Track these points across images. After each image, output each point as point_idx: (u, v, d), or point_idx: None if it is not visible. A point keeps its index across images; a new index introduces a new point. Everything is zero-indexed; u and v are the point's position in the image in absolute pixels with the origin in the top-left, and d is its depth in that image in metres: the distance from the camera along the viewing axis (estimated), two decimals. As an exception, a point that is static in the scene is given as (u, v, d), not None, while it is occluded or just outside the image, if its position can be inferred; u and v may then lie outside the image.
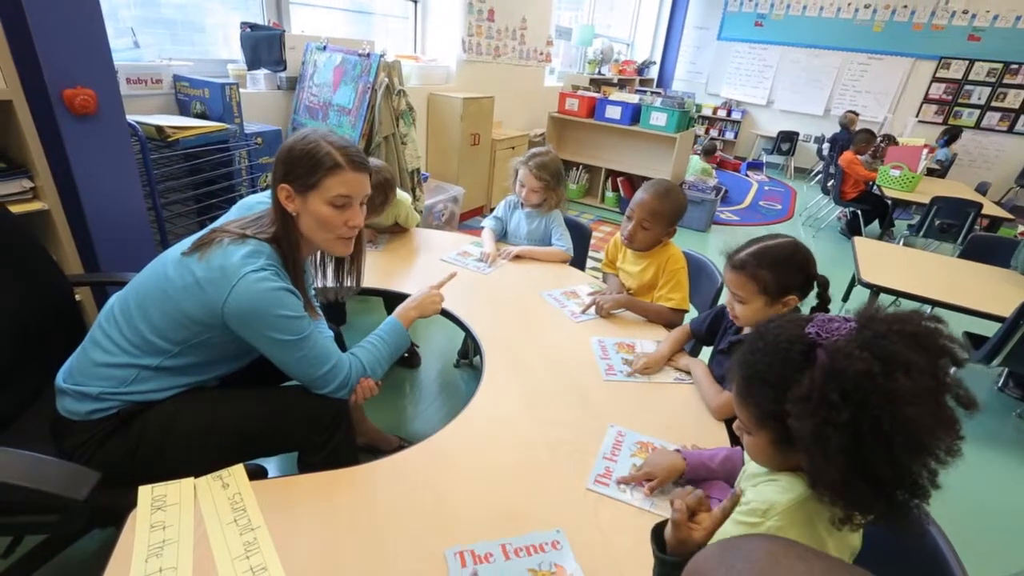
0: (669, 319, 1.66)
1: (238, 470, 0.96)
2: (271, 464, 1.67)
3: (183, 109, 2.38)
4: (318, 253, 1.34)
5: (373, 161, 1.92)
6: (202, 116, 2.32)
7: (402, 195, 2.09)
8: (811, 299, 1.22)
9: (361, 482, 0.98)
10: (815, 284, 1.18)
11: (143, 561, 0.79)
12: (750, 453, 0.79)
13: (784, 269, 1.16)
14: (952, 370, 0.60)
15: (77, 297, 1.70)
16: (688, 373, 1.38)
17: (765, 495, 0.75)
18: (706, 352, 1.58)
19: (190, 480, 0.93)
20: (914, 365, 0.57)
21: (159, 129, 1.93)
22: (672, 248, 1.72)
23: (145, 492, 0.89)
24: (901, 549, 0.85)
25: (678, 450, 1.04)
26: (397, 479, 0.99)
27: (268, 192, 1.16)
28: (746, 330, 1.34)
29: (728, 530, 0.77)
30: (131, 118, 1.84)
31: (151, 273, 1.11)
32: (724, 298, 1.35)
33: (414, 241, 2.12)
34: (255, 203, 1.21)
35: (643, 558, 0.81)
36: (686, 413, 1.23)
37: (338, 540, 0.85)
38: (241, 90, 2.57)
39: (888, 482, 0.59)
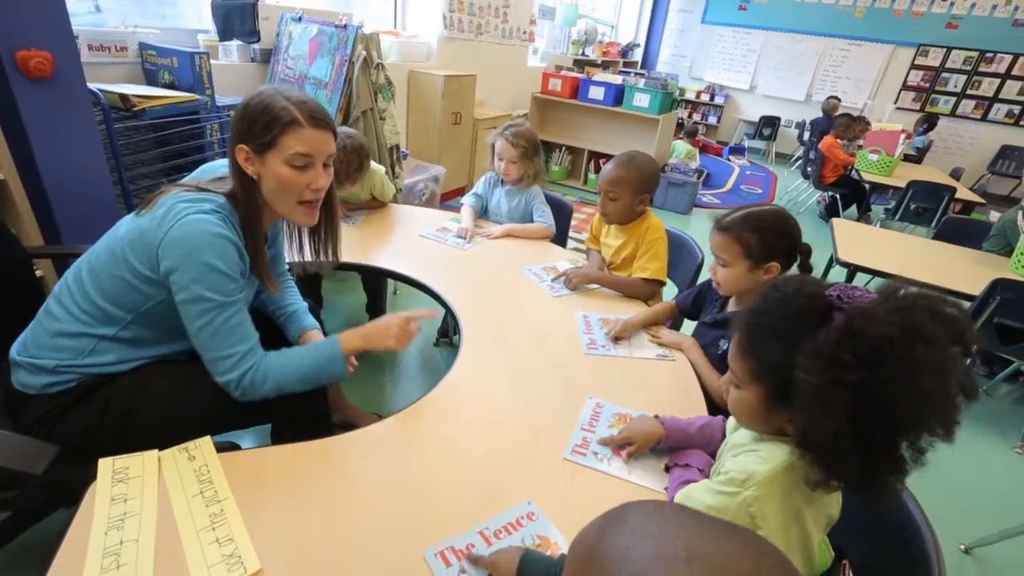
0: (643, 291, 1.64)
1: (205, 442, 0.93)
2: (244, 438, 1.64)
3: (150, 79, 2.28)
4: (295, 227, 1.28)
5: (343, 129, 1.88)
6: (170, 87, 2.22)
7: (376, 166, 2.04)
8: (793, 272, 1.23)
9: (333, 454, 0.96)
10: (799, 254, 1.19)
11: (103, 533, 0.76)
12: (735, 409, 0.79)
13: (769, 233, 1.17)
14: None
15: (39, 273, 1.63)
16: (670, 348, 1.38)
17: (744, 465, 0.75)
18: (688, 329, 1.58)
19: (154, 452, 0.89)
20: (935, 340, 0.57)
21: (124, 98, 1.85)
22: (651, 219, 1.71)
23: (106, 464, 0.86)
24: (875, 515, 0.86)
25: (656, 416, 1.04)
26: (370, 451, 0.97)
27: (223, 163, 1.11)
28: (731, 305, 1.34)
29: (705, 500, 0.77)
30: (93, 85, 1.76)
31: (105, 238, 1.06)
32: (708, 270, 1.34)
33: (392, 216, 2.08)
34: (217, 167, 1.15)
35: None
36: (666, 389, 1.23)
37: (307, 512, 0.83)
38: (213, 61, 2.47)
39: (877, 448, 0.59)
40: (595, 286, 1.66)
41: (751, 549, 0.35)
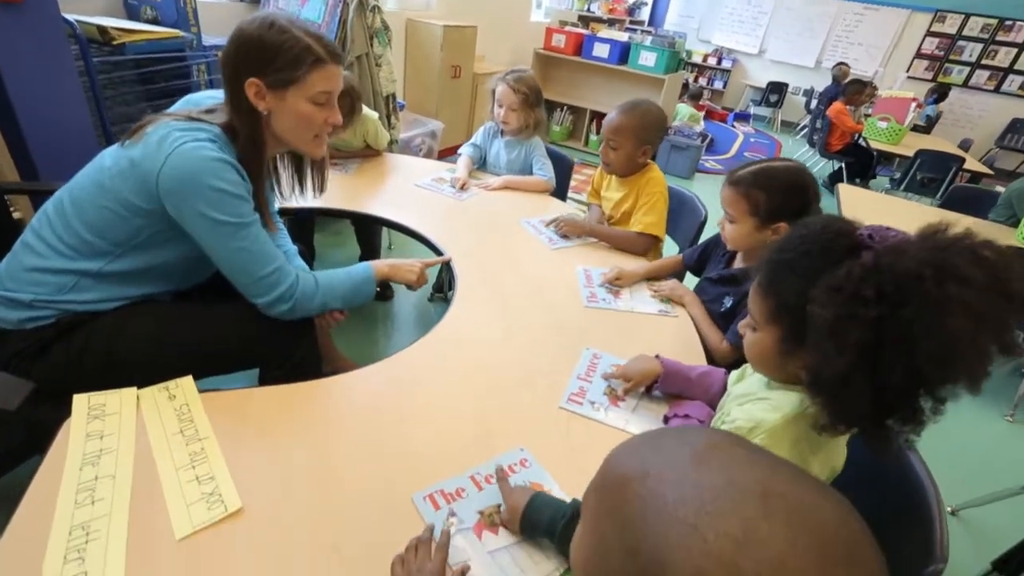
0: (637, 245, 1.58)
1: (186, 381, 0.90)
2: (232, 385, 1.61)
3: (131, 13, 2.16)
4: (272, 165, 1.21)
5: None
6: (153, 23, 2.11)
7: (369, 112, 1.96)
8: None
9: (319, 397, 0.92)
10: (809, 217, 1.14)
11: (77, 469, 0.73)
12: (750, 353, 0.75)
13: (778, 192, 1.10)
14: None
15: (17, 214, 1.57)
16: (671, 303, 1.34)
17: (751, 413, 0.72)
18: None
19: (132, 390, 0.86)
20: (972, 282, 0.52)
21: (102, 30, 1.74)
22: (653, 172, 1.64)
23: (81, 400, 0.82)
24: (881, 470, 0.84)
25: (657, 356, 1.01)
26: (358, 395, 0.94)
27: (215, 92, 1.04)
28: (738, 261, 1.30)
29: None
30: (69, 15, 1.65)
31: (88, 169, 1.01)
32: (716, 224, 1.29)
33: (386, 165, 2.00)
34: (202, 98, 1.08)
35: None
36: (667, 344, 1.19)
37: (292, 453, 0.80)
38: (198, -2, 2.34)
39: (893, 392, 0.55)
40: (592, 240, 1.60)
41: (828, 498, 0.30)
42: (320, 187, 1.27)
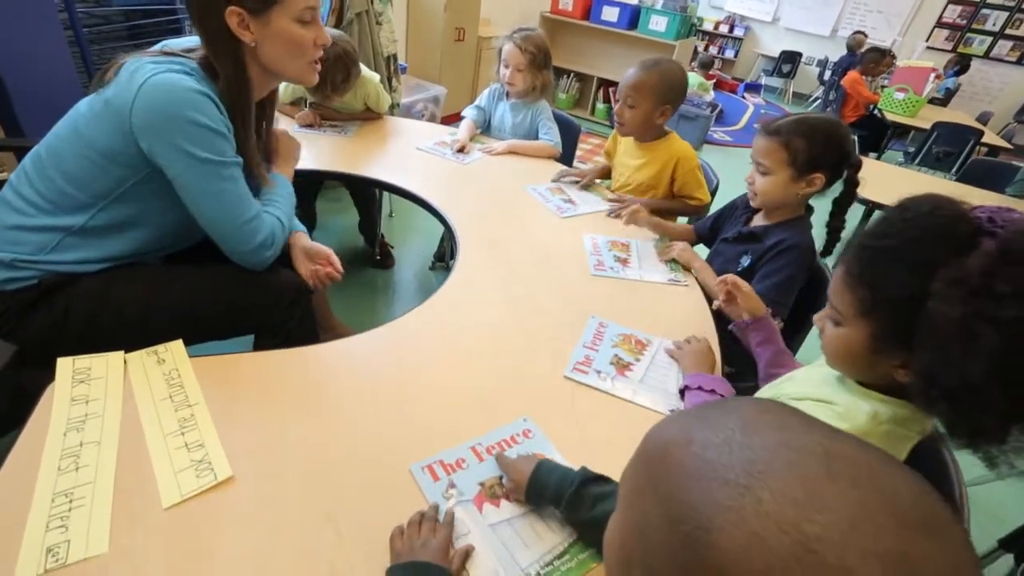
0: (698, 212, 1.59)
1: (176, 345, 0.86)
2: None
3: (119, -36, 2.05)
4: None
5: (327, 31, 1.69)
6: (143, -26, 2.01)
7: (368, 72, 1.88)
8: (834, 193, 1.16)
9: (314, 364, 0.89)
10: (848, 167, 1.11)
11: (61, 434, 0.70)
12: (830, 349, 0.68)
13: (819, 141, 1.08)
14: None
15: (3, 174, 1.52)
16: (683, 268, 1.29)
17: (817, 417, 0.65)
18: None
19: (119, 353, 0.82)
20: None
21: (87, -22, 1.66)
22: (678, 143, 1.57)
23: (65, 364, 0.79)
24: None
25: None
26: (354, 363, 0.90)
27: (194, 38, 0.97)
28: (756, 220, 1.25)
29: None
30: (51, -38, 1.56)
31: (64, 119, 0.95)
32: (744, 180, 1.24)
33: (387, 127, 1.93)
34: (181, 42, 1.01)
35: (622, 446, 0.75)
36: (677, 314, 1.14)
37: (285, 421, 0.77)
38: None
39: None
40: (603, 209, 1.54)
41: (900, 468, 0.26)
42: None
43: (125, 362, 0.81)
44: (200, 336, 1.07)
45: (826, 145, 1.08)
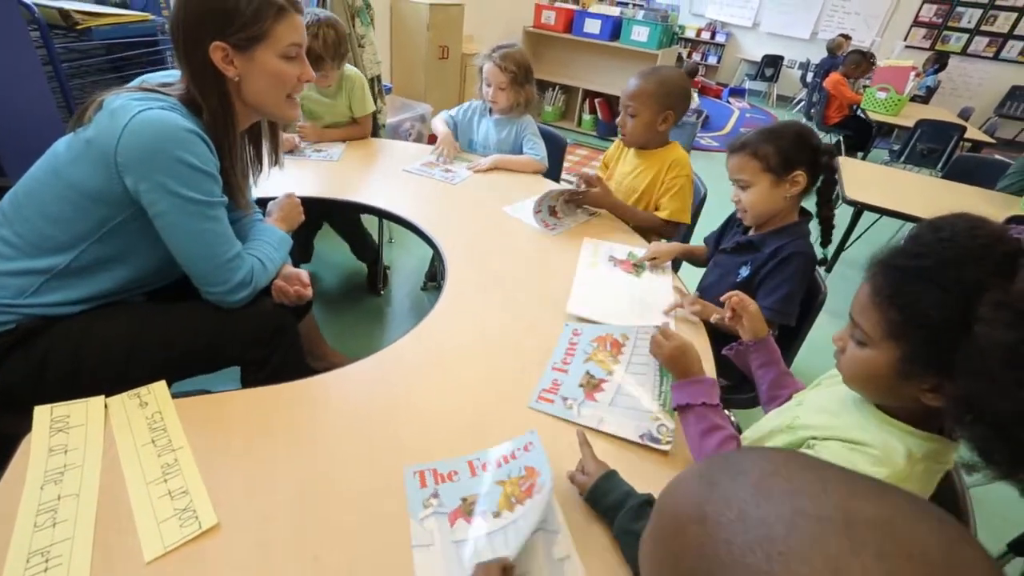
0: (663, 231, 1.54)
1: (159, 387, 0.84)
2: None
3: (99, -3, 2.05)
4: None
5: (316, 11, 1.73)
6: (122, 6, 2.01)
7: (352, 69, 1.88)
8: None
9: (303, 398, 0.86)
10: (823, 157, 1.11)
11: (38, 488, 0.67)
12: (851, 370, 0.66)
13: (786, 142, 1.09)
14: None
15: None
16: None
17: (855, 465, 0.61)
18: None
19: (100, 399, 0.80)
20: None
21: (64, 14, 1.64)
22: (676, 151, 1.56)
23: (43, 412, 0.76)
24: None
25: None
26: (346, 395, 0.88)
27: (172, 72, 0.97)
28: (754, 229, 1.24)
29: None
30: (27, -2, 1.55)
31: (41, 161, 0.94)
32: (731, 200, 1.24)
33: (372, 148, 1.92)
34: (159, 77, 1.01)
35: (619, 466, 0.73)
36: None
37: (273, 462, 0.74)
38: (170, -20, 2.23)
39: None
40: (593, 218, 1.53)
41: (926, 517, 0.25)
42: (275, 159, 1.18)
43: (106, 407, 0.79)
44: (185, 372, 1.05)
45: (794, 143, 1.10)
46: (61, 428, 0.75)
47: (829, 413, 0.71)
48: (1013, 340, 0.47)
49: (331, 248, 2.25)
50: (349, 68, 1.88)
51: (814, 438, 0.68)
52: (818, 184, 1.16)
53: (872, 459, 0.61)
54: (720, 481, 0.29)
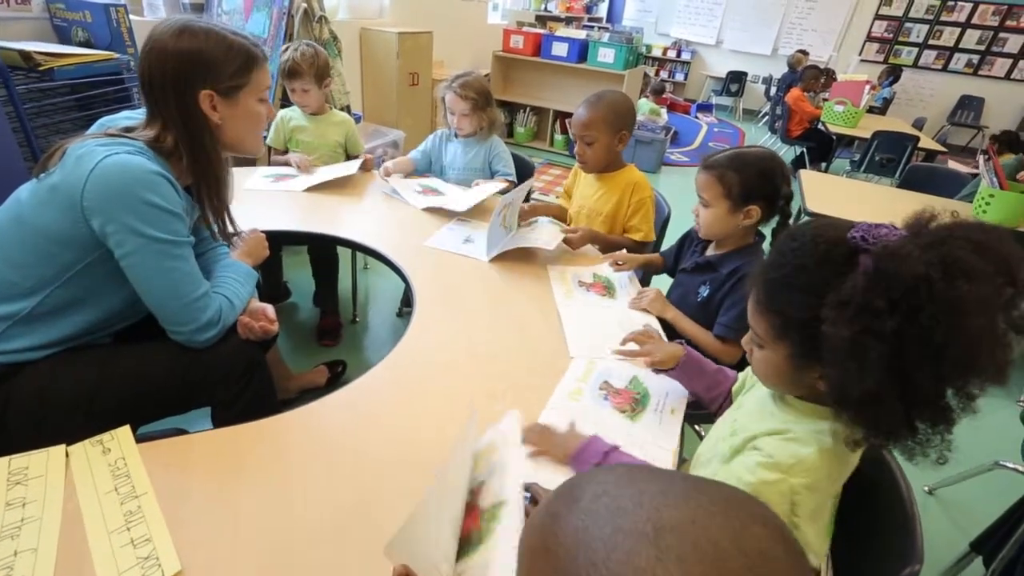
0: (632, 250, 1.59)
1: (123, 432, 0.83)
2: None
3: (62, 37, 2.05)
4: None
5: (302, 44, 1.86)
6: (87, 45, 2.01)
7: (344, 115, 1.98)
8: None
9: (273, 434, 0.86)
10: (781, 199, 1.16)
11: (-6, 544, 0.66)
12: (759, 370, 0.72)
13: (753, 175, 1.13)
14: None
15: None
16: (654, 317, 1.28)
17: (787, 449, 0.67)
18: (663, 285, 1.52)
19: (60, 447, 0.79)
20: (979, 273, 0.50)
21: (25, 55, 1.65)
22: (635, 174, 1.61)
23: (0, 465, 0.75)
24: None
25: (680, 342, 1.01)
26: (312, 430, 0.88)
27: (131, 113, 1.00)
28: (710, 250, 1.28)
29: (744, 478, 0.68)
30: (-13, 42, 1.56)
31: (4, 206, 0.94)
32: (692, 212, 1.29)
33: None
34: (119, 119, 1.02)
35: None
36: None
37: (240, 503, 0.74)
38: (136, 18, 2.25)
39: (925, 401, 0.54)
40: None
41: (723, 510, 0.28)
42: (223, 231, 1.12)
43: (67, 455, 0.78)
44: (153, 414, 1.04)
45: (759, 179, 1.14)
46: (19, 480, 0.74)
47: (760, 412, 0.76)
48: (849, 334, 0.54)
49: (308, 279, 2.24)
50: (340, 114, 1.99)
51: (754, 436, 0.72)
52: (771, 223, 1.21)
53: (802, 443, 0.67)
54: (559, 511, 0.31)
